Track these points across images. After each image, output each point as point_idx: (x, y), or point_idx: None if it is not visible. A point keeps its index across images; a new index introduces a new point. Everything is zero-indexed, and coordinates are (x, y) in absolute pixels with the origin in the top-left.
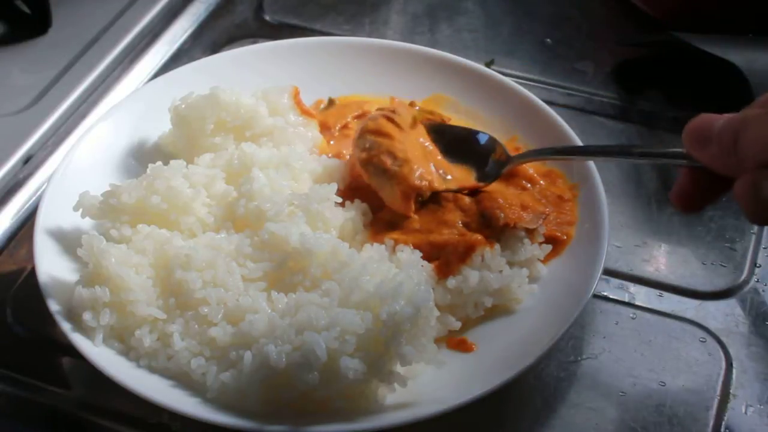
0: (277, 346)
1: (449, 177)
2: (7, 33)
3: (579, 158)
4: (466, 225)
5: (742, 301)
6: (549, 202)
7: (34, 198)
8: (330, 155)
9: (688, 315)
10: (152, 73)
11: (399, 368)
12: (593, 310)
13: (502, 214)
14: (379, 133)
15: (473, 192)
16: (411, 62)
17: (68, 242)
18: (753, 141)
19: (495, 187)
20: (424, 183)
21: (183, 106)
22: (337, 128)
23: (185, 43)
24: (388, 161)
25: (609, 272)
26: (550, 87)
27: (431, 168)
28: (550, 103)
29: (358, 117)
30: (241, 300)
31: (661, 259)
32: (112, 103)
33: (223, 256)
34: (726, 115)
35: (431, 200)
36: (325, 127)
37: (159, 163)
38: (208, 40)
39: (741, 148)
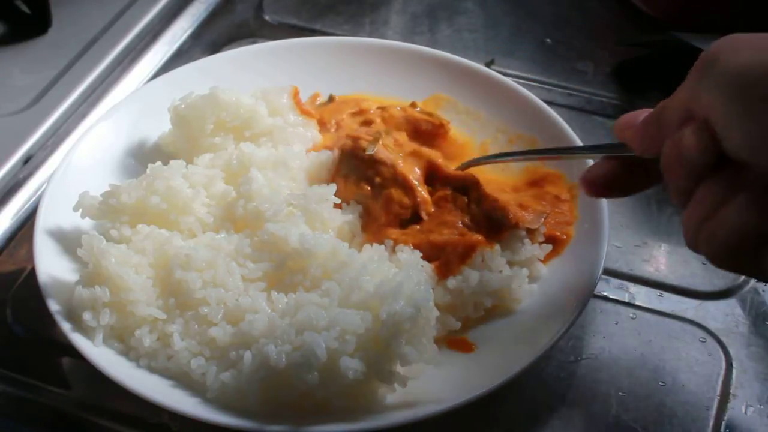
0: (277, 346)
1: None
2: (7, 33)
3: (517, 159)
4: (466, 225)
5: (742, 301)
6: (547, 203)
7: (34, 198)
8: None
9: (688, 315)
10: (152, 73)
11: (399, 368)
12: (593, 310)
13: (511, 214)
14: (355, 156)
15: (469, 192)
16: (411, 62)
17: (68, 242)
18: (675, 102)
19: (493, 189)
20: (402, 211)
21: (183, 106)
22: (333, 124)
23: (185, 43)
24: (367, 188)
25: (609, 272)
26: (550, 87)
27: (413, 183)
28: (550, 103)
29: (355, 114)
30: (241, 300)
31: (661, 259)
32: (112, 103)
33: (223, 256)
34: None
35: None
36: (321, 124)
37: (159, 163)
38: (208, 40)
39: (663, 115)
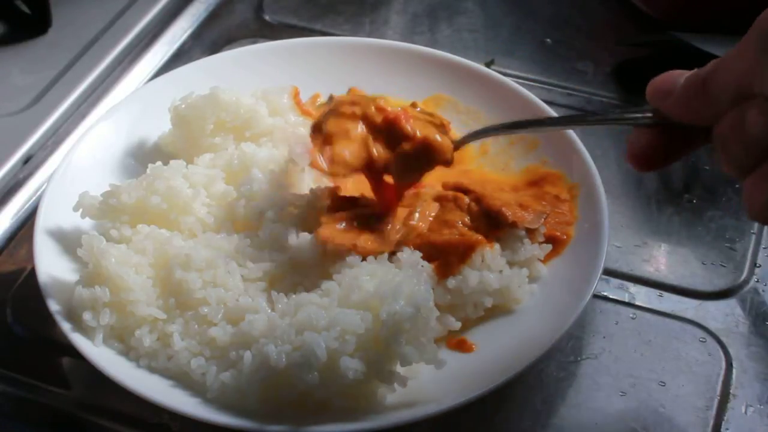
0: (277, 346)
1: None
2: (7, 33)
3: (532, 130)
4: (465, 225)
5: (742, 301)
6: (547, 202)
7: (34, 198)
8: None
9: (688, 315)
10: (152, 73)
11: (399, 368)
12: (593, 310)
13: (509, 212)
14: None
15: (468, 191)
16: (411, 62)
17: (68, 242)
18: (727, 75)
19: (493, 188)
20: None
21: (183, 106)
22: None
23: (185, 43)
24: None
25: (609, 272)
26: (550, 87)
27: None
28: (550, 103)
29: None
30: (241, 300)
31: (661, 259)
32: (112, 103)
33: (223, 256)
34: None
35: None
36: None
37: (159, 163)
38: (208, 40)
39: (712, 86)
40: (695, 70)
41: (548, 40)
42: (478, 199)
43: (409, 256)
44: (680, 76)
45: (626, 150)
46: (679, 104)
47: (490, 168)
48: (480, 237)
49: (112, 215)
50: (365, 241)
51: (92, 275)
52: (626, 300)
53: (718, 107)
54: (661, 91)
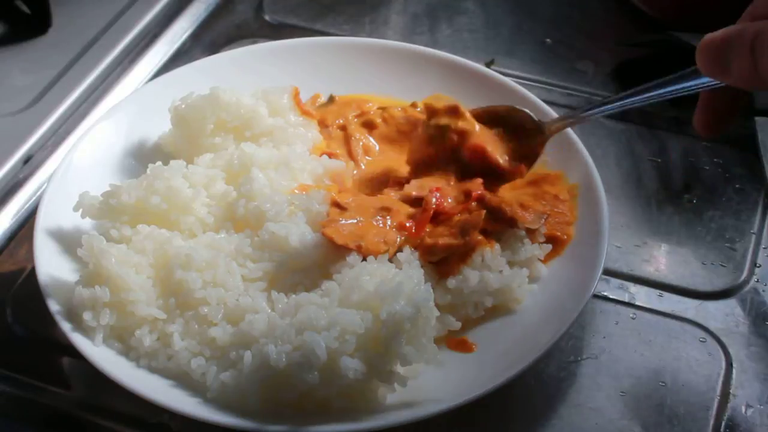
0: (277, 346)
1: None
2: (7, 33)
3: (610, 108)
4: (465, 224)
5: (742, 301)
6: (547, 202)
7: (34, 198)
8: (325, 155)
9: (688, 315)
10: (152, 73)
11: (399, 368)
12: (593, 310)
13: (509, 209)
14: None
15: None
16: (411, 62)
17: (68, 242)
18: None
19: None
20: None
21: (183, 106)
22: (334, 126)
23: (185, 43)
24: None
25: (609, 272)
26: (550, 87)
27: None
28: (550, 103)
29: (358, 116)
30: (241, 300)
31: (661, 259)
32: (112, 103)
33: (223, 256)
34: (734, 29)
35: None
36: (322, 125)
37: (159, 163)
38: (208, 40)
39: (763, 69)
40: (738, 34)
41: (548, 40)
42: (479, 199)
43: (409, 256)
44: (727, 39)
45: (696, 117)
46: (738, 80)
47: None
48: (480, 237)
49: (112, 215)
50: (370, 241)
51: (92, 275)
52: (626, 300)
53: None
54: (718, 67)
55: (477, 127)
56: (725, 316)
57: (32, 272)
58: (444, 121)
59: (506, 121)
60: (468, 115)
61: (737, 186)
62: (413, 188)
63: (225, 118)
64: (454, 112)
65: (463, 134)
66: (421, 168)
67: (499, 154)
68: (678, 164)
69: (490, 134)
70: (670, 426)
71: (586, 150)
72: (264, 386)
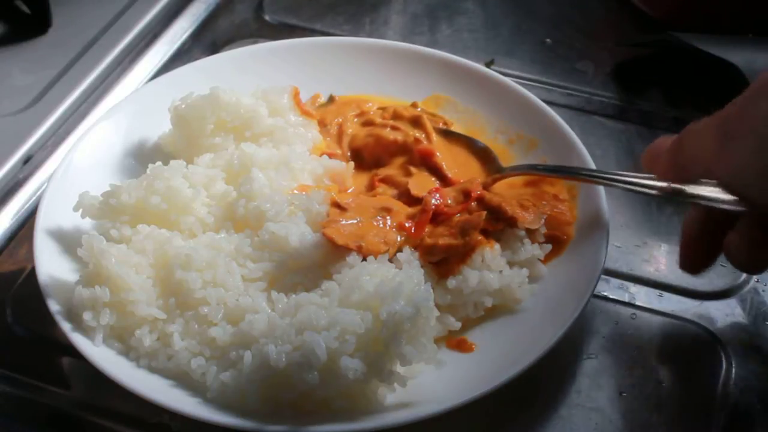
0: (277, 346)
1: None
2: (7, 33)
3: (568, 178)
4: (465, 224)
5: (742, 301)
6: (546, 202)
7: (34, 198)
8: (325, 155)
9: (688, 315)
10: (152, 73)
11: (399, 368)
12: (593, 310)
13: (509, 207)
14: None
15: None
16: (411, 62)
17: (68, 242)
18: (694, 149)
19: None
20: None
21: (183, 106)
22: (334, 125)
23: (185, 43)
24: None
25: (609, 272)
26: (550, 87)
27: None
28: (550, 103)
29: (357, 116)
30: (241, 300)
31: (661, 259)
32: (112, 103)
33: (223, 256)
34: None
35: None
36: (321, 124)
37: (159, 163)
38: (208, 40)
39: (682, 158)
40: (676, 136)
41: (548, 40)
42: (479, 198)
43: (409, 256)
44: (667, 140)
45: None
46: (665, 169)
47: None
48: (480, 237)
49: (112, 215)
50: (370, 242)
51: (92, 275)
52: (626, 300)
53: (694, 173)
54: (652, 156)
55: (434, 137)
56: (725, 316)
57: (32, 272)
58: (405, 126)
59: (466, 146)
60: (429, 126)
61: None
62: (413, 188)
63: (225, 118)
64: (416, 122)
65: (418, 140)
66: (376, 152)
67: (446, 165)
68: None
69: (445, 147)
70: (670, 426)
71: (586, 150)
72: (264, 386)
